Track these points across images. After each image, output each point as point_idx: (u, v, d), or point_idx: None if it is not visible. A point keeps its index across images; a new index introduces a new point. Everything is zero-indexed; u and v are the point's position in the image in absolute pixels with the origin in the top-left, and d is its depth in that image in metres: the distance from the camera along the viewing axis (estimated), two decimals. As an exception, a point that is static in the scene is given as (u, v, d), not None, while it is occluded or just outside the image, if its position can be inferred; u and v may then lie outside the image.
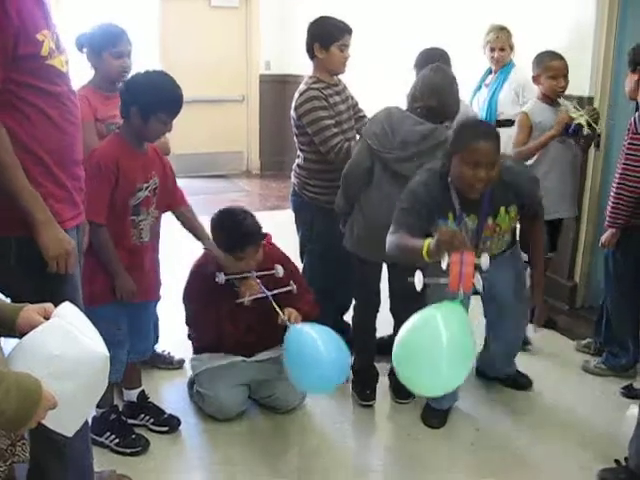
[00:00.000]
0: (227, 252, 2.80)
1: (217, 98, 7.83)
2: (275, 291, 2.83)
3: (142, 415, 2.92)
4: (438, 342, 2.15)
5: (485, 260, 2.35)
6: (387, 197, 2.88)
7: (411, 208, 2.66)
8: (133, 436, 2.78)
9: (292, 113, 3.27)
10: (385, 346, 3.23)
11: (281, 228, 3.62)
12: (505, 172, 2.65)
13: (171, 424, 2.92)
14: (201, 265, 2.96)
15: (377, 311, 3.21)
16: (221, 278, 2.81)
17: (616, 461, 2.71)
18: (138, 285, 2.67)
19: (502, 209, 2.75)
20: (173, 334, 3.44)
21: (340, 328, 3.42)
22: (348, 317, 3.45)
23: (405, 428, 2.96)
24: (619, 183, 3.09)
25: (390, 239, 2.66)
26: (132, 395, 2.93)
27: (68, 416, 1.39)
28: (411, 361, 2.25)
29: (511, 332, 3.09)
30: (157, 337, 3.36)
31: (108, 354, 1.44)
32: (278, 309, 2.75)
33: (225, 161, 8.10)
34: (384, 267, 3.18)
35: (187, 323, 3.09)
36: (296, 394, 3.00)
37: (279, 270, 2.88)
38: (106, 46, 2.86)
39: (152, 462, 2.72)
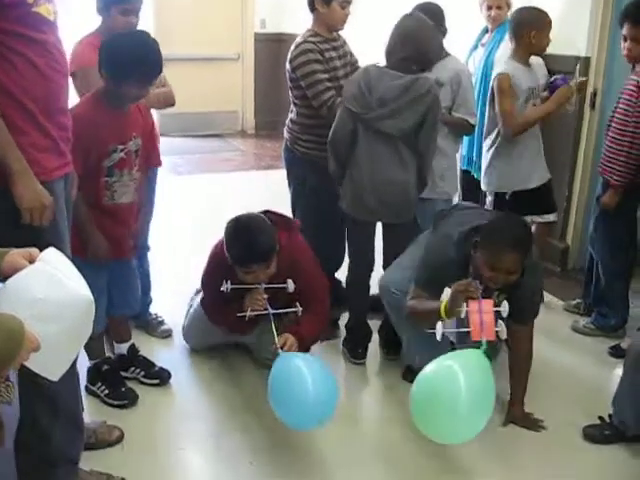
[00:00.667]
0: (235, 265, 2.70)
1: (212, 56, 7.74)
2: (280, 310, 2.74)
3: (133, 368, 2.95)
4: (457, 392, 2.17)
5: (505, 307, 2.34)
6: (373, 156, 2.88)
7: (430, 280, 2.67)
8: (123, 389, 2.81)
9: (287, 65, 3.24)
10: (377, 303, 3.27)
11: (276, 187, 3.62)
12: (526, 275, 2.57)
13: (162, 377, 2.95)
14: (217, 254, 2.85)
15: (371, 270, 3.21)
16: (226, 287, 2.73)
17: (600, 418, 2.75)
18: (115, 243, 2.66)
19: (496, 294, 2.64)
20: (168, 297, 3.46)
21: (332, 284, 3.46)
22: (341, 273, 3.46)
23: (394, 383, 2.98)
24: (632, 142, 3.08)
25: (409, 304, 2.69)
26: (122, 348, 2.95)
27: (52, 360, 1.40)
28: (429, 411, 2.27)
29: None
30: (149, 299, 3.37)
31: (92, 298, 1.44)
32: (275, 333, 2.63)
33: (220, 120, 8.05)
34: (379, 226, 3.17)
35: (201, 303, 3.09)
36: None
37: (290, 286, 2.76)
38: (116, 1, 2.84)
39: (142, 414, 2.76)
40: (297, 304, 2.76)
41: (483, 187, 3.82)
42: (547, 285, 3.96)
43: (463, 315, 2.26)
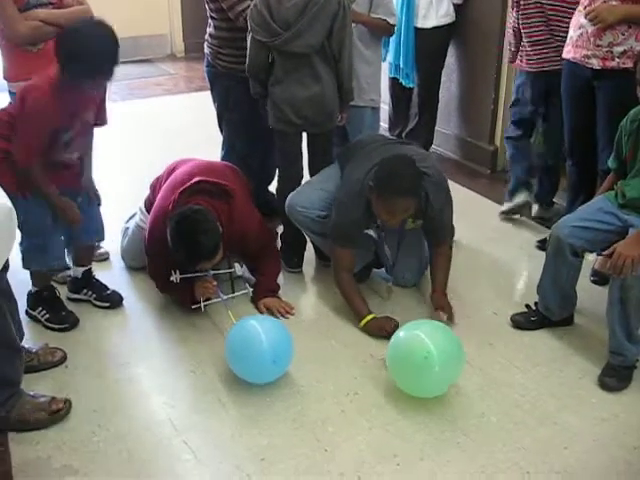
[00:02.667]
0: (182, 264, 2.73)
1: (135, -23, 7.44)
2: (230, 295, 2.82)
3: (85, 290, 2.98)
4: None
5: None
6: (288, 76, 2.94)
7: (345, 237, 2.83)
8: (63, 312, 2.84)
9: None
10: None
11: (208, 109, 3.58)
12: (430, 199, 2.73)
13: (113, 300, 2.98)
14: (158, 227, 2.81)
15: (300, 181, 3.25)
16: (176, 277, 2.74)
17: (527, 306, 2.90)
18: (67, 177, 2.67)
19: (410, 221, 2.86)
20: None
21: (265, 199, 3.49)
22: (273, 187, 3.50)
23: (330, 286, 3.06)
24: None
25: (339, 277, 2.89)
26: (78, 272, 2.97)
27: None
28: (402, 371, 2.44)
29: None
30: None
31: (11, 206, 1.45)
32: (231, 315, 2.73)
33: (148, 45, 7.81)
34: (304, 136, 3.20)
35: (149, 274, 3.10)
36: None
37: (237, 269, 2.92)
38: None
39: (85, 335, 2.79)
40: (247, 285, 2.98)
41: None
42: (477, 187, 4.11)
43: None
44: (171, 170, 3.06)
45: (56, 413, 2.30)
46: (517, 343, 2.77)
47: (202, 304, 2.77)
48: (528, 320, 2.86)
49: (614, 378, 2.53)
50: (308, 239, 3.26)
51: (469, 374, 2.55)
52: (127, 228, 3.29)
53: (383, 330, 2.74)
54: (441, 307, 2.83)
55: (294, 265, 3.28)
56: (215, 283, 2.79)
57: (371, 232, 2.89)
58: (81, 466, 2.14)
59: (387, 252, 3.00)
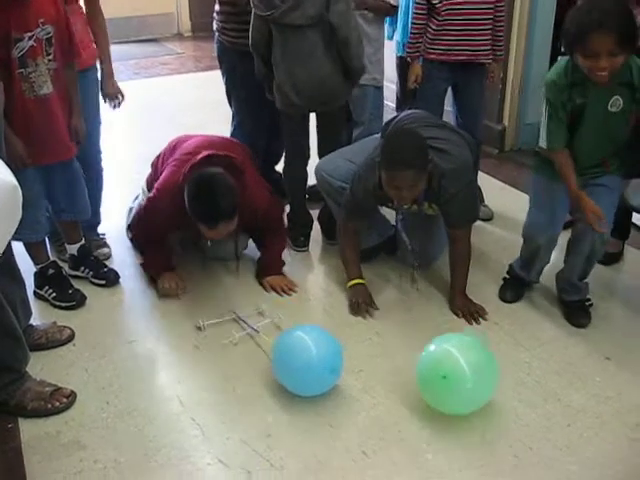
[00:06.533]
0: (199, 223, 2.68)
1: (141, -45, 7.42)
2: (254, 326, 2.69)
3: (82, 267, 2.99)
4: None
5: None
6: (287, 54, 2.92)
7: (356, 200, 2.81)
8: (70, 291, 2.86)
9: None
10: (314, 193, 3.34)
11: (213, 88, 3.58)
12: (445, 182, 2.67)
13: (109, 278, 3.00)
14: (163, 199, 2.83)
15: (306, 161, 3.26)
16: (202, 325, 2.69)
17: (505, 279, 3.00)
18: (50, 144, 2.63)
19: (426, 204, 2.82)
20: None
21: (272, 178, 3.50)
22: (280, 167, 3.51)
23: (337, 264, 3.07)
24: None
25: (343, 240, 2.93)
26: (73, 249, 2.97)
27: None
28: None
29: None
30: (98, 220, 3.27)
31: (16, 183, 1.45)
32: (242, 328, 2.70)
33: (155, 24, 7.80)
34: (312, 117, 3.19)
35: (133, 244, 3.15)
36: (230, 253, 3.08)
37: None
38: None
39: (91, 313, 2.82)
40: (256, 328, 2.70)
41: None
42: (485, 166, 4.08)
43: None
44: (173, 147, 3.06)
45: (55, 406, 2.29)
46: (522, 321, 2.78)
47: (202, 324, 2.69)
48: (512, 290, 2.94)
49: (581, 314, 2.78)
50: (315, 221, 3.31)
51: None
52: (131, 208, 3.30)
53: (356, 303, 2.79)
54: (461, 310, 2.81)
55: (301, 244, 3.29)
56: (246, 324, 2.71)
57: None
58: (90, 442, 2.17)
59: (405, 238, 2.99)
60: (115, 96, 3.10)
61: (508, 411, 2.30)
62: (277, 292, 2.95)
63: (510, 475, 2.06)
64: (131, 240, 3.28)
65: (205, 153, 2.80)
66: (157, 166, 3.10)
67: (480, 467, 2.08)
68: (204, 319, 2.70)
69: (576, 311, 2.80)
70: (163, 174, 2.92)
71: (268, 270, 3.02)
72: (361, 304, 2.80)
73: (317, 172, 3.07)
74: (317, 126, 3.20)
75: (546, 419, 2.27)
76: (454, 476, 2.05)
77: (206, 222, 2.66)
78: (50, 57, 2.55)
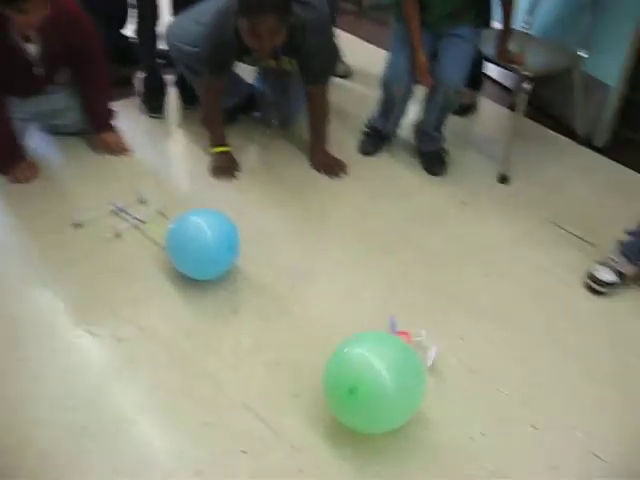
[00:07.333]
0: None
1: None
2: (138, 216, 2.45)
3: None
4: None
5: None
6: None
7: (214, 60, 2.66)
8: None
9: None
10: (169, 57, 3.17)
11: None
12: (304, 33, 2.53)
13: None
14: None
15: (156, 20, 3.06)
16: (79, 221, 2.44)
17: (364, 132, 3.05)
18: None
19: (286, 59, 2.69)
20: None
21: (119, 45, 3.29)
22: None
23: (197, 131, 3.00)
24: None
25: (206, 100, 2.79)
26: None
27: None
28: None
29: None
30: None
31: None
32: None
33: None
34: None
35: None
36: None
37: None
38: None
39: None
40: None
41: None
42: (344, 25, 4.01)
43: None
44: None
45: None
46: (382, 173, 2.87)
47: (79, 221, 2.47)
48: (371, 143, 3.00)
49: (437, 163, 2.89)
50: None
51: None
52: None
53: (220, 168, 2.76)
54: (322, 166, 2.83)
55: (156, 109, 3.17)
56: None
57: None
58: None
59: (265, 95, 2.92)
60: None
61: (369, 261, 2.39)
62: (112, 153, 2.82)
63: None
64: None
65: None
66: None
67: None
68: (79, 214, 2.50)
69: (433, 161, 2.89)
70: None
71: (101, 125, 2.85)
72: (225, 169, 2.76)
73: (167, 39, 2.90)
74: None
75: (404, 264, 2.38)
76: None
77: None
78: None
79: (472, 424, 1.82)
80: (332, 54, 2.82)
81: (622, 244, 2.32)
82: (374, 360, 1.63)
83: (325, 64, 2.75)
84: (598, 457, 1.75)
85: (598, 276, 2.29)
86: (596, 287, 2.29)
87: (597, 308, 2.25)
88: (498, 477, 1.69)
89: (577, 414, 1.87)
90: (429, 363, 1.96)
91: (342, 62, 3.52)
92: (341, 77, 3.44)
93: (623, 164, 3.02)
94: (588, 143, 3.16)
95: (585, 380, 1.98)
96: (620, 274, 2.29)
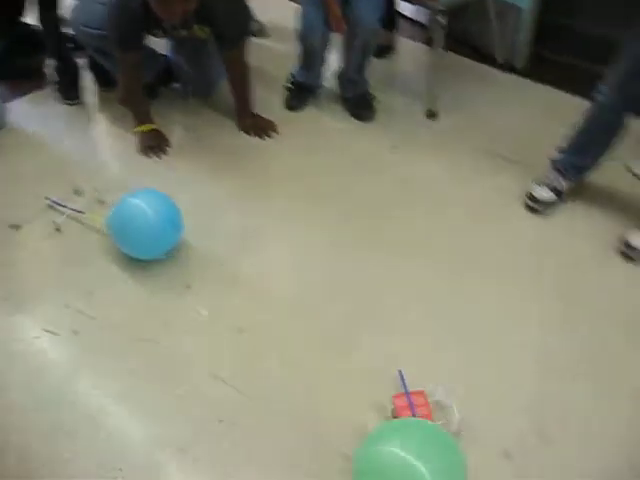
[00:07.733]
0: None
1: None
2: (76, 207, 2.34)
3: None
4: None
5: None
6: None
7: (123, 20, 2.51)
8: None
9: None
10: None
11: None
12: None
13: None
14: None
15: (58, 2, 2.95)
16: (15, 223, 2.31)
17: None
18: None
19: (197, 27, 2.61)
20: None
21: (21, 33, 3.17)
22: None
23: (117, 114, 2.93)
24: None
25: (125, 76, 2.67)
26: None
27: None
28: None
29: None
30: None
31: None
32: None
33: None
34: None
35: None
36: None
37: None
38: None
39: None
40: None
41: None
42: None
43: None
44: None
45: None
46: (311, 128, 2.87)
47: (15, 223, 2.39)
48: (297, 98, 3.00)
49: (365, 108, 2.90)
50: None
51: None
52: None
53: (149, 147, 2.72)
54: (251, 128, 2.81)
55: (72, 96, 3.08)
56: None
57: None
58: None
59: (180, 66, 2.86)
60: None
61: (313, 215, 2.40)
62: None
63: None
64: None
65: None
66: None
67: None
68: (15, 215, 2.43)
69: (360, 106, 2.90)
70: None
71: None
72: (155, 147, 2.72)
73: (72, 26, 2.81)
74: None
75: (347, 214, 2.41)
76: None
77: None
78: None
79: None
80: (244, 16, 2.76)
81: (554, 161, 2.39)
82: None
83: (239, 27, 2.71)
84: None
85: (536, 195, 2.36)
86: (534, 205, 2.36)
87: (535, 225, 2.34)
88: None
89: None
90: (453, 429, 1.68)
91: (255, 21, 3.47)
92: (256, 36, 3.39)
93: (546, 84, 3.08)
94: (509, 67, 3.21)
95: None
96: (557, 191, 2.36)
